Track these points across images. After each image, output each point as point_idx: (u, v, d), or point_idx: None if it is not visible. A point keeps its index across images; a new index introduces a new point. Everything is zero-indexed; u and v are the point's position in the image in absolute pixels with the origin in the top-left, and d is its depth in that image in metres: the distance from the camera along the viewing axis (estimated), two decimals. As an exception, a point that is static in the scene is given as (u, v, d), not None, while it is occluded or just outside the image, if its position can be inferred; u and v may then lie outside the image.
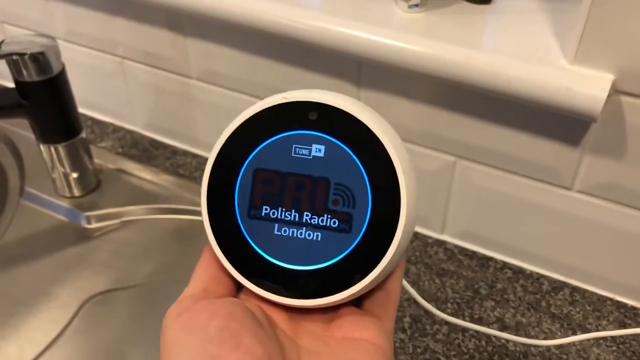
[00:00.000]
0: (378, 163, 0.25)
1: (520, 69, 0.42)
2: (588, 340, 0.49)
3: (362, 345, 0.25)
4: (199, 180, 0.62)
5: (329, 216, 0.25)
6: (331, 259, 0.25)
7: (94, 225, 0.60)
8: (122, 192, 0.62)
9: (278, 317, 0.26)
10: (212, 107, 0.62)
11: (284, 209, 0.26)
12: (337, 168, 0.25)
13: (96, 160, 0.63)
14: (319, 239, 0.25)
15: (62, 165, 0.59)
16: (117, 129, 0.70)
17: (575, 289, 0.53)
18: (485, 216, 0.54)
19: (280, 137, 0.26)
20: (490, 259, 0.55)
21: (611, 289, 0.52)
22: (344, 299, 0.25)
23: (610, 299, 0.52)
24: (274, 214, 0.26)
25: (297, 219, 0.26)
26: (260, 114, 0.26)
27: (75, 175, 0.60)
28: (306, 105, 0.26)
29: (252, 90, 0.58)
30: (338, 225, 0.25)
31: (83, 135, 0.59)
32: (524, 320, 0.50)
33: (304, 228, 0.26)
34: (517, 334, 0.49)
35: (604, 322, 0.50)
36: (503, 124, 0.48)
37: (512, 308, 0.51)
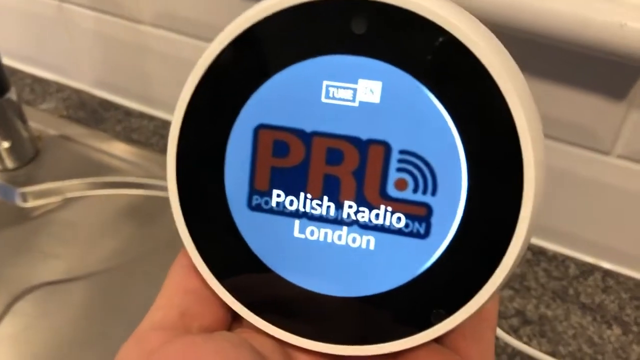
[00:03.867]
0: (483, 113, 0.15)
1: (563, 0, 0.32)
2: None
3: None
4: (156, 148, 0.52)
5: (390, 208, 0.16)
6: (393, 282, 0.16)
7: (30, 203, 0.50)
8: (65, 163, 0.52)
9: None
10: (171, 59, 0.52)
11: (309, 196, 0.16)
12: (405, 123, 0.15)
13: (34, 125, 0.53)
14: (371, 247, 0.16)
15: (-11, 132, 0.49)
16: (61, 88, 0.59)
17: (607, 273, 0.44)
18: (500, 187, 0.45)
19: (300, 68, 0.16)
20: (505, 237, 0.47)
21: (651, 273, 0.44)
22: (415, 345, 0.16)
23: (650, 285, 0.44)
24: (292, 203, 0.16)
25: (332, 214, 0.16)
26: (261, 26, 0.15)
27: (6, 144, 0.50)
28: (345, 5, 0.15)
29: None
30: (406, 224, 0.16)
31: (12, 95, 0.48)
32: (549, 312, 0.42)
33: (345, 228, 0.16)
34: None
35: (645, 313, 0.42)
36: (530, 73, 0.38)
37: (534, 298, 0.42)
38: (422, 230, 0.16)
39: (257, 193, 0.16)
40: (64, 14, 0.54)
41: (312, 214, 0.16)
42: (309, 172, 0.16)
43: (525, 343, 0.40)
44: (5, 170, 0.51)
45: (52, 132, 0.54)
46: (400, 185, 0.16)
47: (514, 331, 0.40)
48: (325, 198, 0.16)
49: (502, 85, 0.14)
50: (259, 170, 0.16)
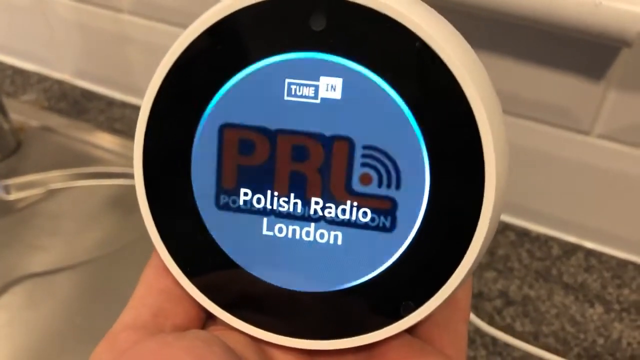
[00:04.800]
0: (442, 106, 0.15)
1: (534, -21, 0.32)
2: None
3: None
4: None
5: (355, 203, 0.16)
6: (361, 276, 0.16)
7: (14, 195, 0.50)
8: (48, 155, 0.52)
9: (283, 358, 0.17)
10: (151, 47, 0.51)
11: (276, 194, 0.16)
12: (367, 119, 0.15)
13: (16, 117, 0.52)
14: (339, 242, 0.16)
15: (-31, 125, 0.48)
16: (42, 79, 0.59)
17: (590, 253, 0.44)
18: (483, 169, 0.45)
19: (262, 68, 0.16)
20: (489, 219, 0.47)
21: (633, 251, 0.44)
22: (385, 337, 0.16)
23: (632, 263, 0.44)
24: (259, 201, 0.16)
25: (299, 210, 0.16)
26: (221, 26, 0.15)
27: (-13, 136, 0.50)
28: (304, 3, 0.15)
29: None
30: (372, 218, 0.16)
31: (-9, 87, 0.48)
32: (532, 293, 0.42)
33: (313, 224, 0.16)
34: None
35: (626, 291, 0.42)
36: (504, 54, 0.38)
37: (518, 279, 0.43)
38: (387, 224, 0.16)
39: (225, 192, 0.16)
40: (43, 3, 0.53)
41: (279, 212, 0.16)
42: (275, 169, 0.16)
43: (508, 324, 0.40)
44: (-12, 163, 0.51)
45: (34, 123, 0.54)
46: (365, 180, 0.16)
47: (497, 312, 0.41)
48: (292, 195, 0.16)
49: (460, 78, 0.14)
50: (225, 169, 0.16)
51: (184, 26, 0.48)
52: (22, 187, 0.50)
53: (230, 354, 0.15)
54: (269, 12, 0.15)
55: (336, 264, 0.16)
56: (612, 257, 0.44)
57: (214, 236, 0.17)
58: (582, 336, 0.40)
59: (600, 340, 0.39)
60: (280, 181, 0.16)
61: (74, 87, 0.58)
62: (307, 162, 0.16)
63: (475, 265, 0.16)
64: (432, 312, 0.16)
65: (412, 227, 0.16)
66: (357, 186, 0.16)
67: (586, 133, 0.40)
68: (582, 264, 0.44)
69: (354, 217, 0.16)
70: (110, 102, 0.56)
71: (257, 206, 0.16)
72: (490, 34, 0.38)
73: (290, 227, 0.16)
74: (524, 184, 0.44)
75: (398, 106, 0.15)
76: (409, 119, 0.15)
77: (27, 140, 0.52)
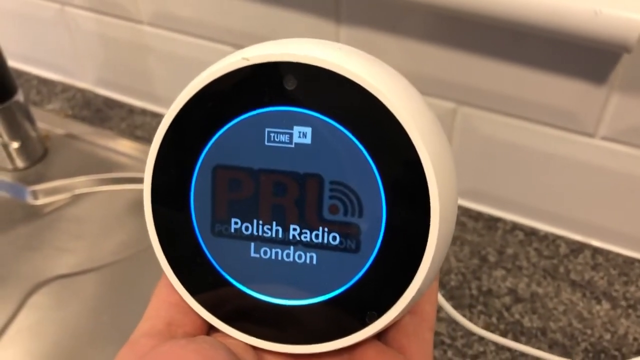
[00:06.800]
0: (392, 147, 0.18)
1: (536, -11, 0.34)
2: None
3: None
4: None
5: (326, 229, 0.19)
6: (333, 290, 0.19)
7: (41, 200, 0.52)
8: (73, 161, 0.54)
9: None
10: (170, 57, 0.53)
11: (261, 222, 0.19)
12: (333, 159, 0.18)
13: (42, 125, 0.55)
14: (314, 262, 0.19)
15: (-1, 133, 0.51)
16: (66, 88, 0.61)
17: (597, 251, 0.46)
18: (492, 171, 0.46)
19: (246, 119, 0.19)
20: (498, 219, 0.48)
21: (639, 249, 0.45)
22: (354, 343, 0.19)
23: (638, 260, 0.45)
24: (247, 229, 0.19)
25: (280, 236, 0.19)
26: (212, 87, 0.19)
27: (15, 144, 0.52)
28: (278, 68, 0.18)
29: (216, 35, 0.49)
30: (340, 241, 0.19)
31: (19, 97, 0.50)
32: (540, 290, 0.43)
33: (292, 247, 0.19)
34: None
35: (633, 288, 0.43)
36: (512, 60, 0.40)
37: (526, 277, 0.44)
38: (353, 246, 0.19)
39: (219, 222, 0.19)
40: (66, 16, 0.56)
41: (264, 237, 0.19)
42: (259, 202, 0.19)
43: (517, 320, 0.42)
44: (16, 169, 0.53)
45: (59, 131, 0.56)
46: (334, 210, 0.19)
47: (506, 309, 0.42)
48: (274, 223, 0.19)
49: (407, 127, 0.17)
50: (218, 203, 0.19)
51: (201, 37, 0.51)
52: (48, 192, 0.52)
53: (231, 355, 0.18)
54: (251, 74, 0.18)
55: (313, 281, 0.19)
56: (618, 255, 0.45)
57: (211, 259, 0.20)
58: (589, 332, 0.41)
59: (607, 336, 0.41)
60: (264, 212, 0.19)
61: (97, 96, 0.60)
62: (285, 195, 0.19)
63: (427, 281, 0.18)
64: (392, 320, 0.19)
65: (373, 248, 0.18)
66: (327, 215, 0.19)
67: (590, 135, 0.41)
68: (589, 261, 0.45)
69: (325, 241, 0.19)
70: (131, 110, 0.58)
71: (246, 233, 0.19)
72: (498, 42, 0.39)
73: (274, 250, 0.19)
74: (531, 185, 0.46)
75: (358, 149, 0.18)
76: (367, 159, 0.18)
77: (53, 148, 0.55)
